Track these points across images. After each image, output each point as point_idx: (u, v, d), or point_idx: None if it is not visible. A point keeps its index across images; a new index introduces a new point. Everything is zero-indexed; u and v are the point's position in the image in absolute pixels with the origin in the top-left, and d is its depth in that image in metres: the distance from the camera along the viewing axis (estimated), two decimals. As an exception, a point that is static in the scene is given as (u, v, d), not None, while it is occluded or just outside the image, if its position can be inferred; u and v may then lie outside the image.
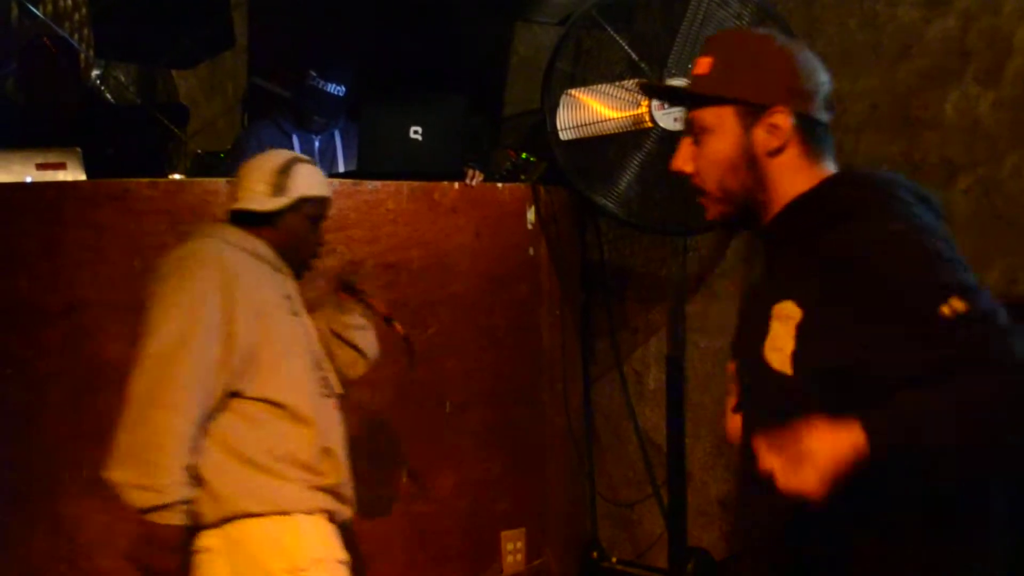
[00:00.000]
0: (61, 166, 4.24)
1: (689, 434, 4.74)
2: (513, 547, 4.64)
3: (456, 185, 4.49)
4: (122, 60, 6.00)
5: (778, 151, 2.18)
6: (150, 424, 3.04)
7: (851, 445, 1.88)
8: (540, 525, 4.77)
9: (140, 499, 3.02)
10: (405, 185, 4.37)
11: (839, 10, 4.61)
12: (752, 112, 2.17)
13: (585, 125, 4.49)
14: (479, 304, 4.53)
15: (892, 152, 4.41)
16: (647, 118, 4.39)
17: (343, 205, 4.23)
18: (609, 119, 4.47)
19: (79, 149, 4.26)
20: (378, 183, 4.33)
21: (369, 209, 4.28)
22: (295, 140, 5.07)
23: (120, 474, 3.03)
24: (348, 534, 4.14)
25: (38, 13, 5.89)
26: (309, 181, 3.34)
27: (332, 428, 3.30)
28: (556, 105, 4.51)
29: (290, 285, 3.32)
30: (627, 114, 4.43)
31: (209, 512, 3.13)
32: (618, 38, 4.51)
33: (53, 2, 6.64)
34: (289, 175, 3.29)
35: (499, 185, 4.69)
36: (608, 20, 4.51)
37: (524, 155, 4.93)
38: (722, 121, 2.19)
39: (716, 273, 4.99)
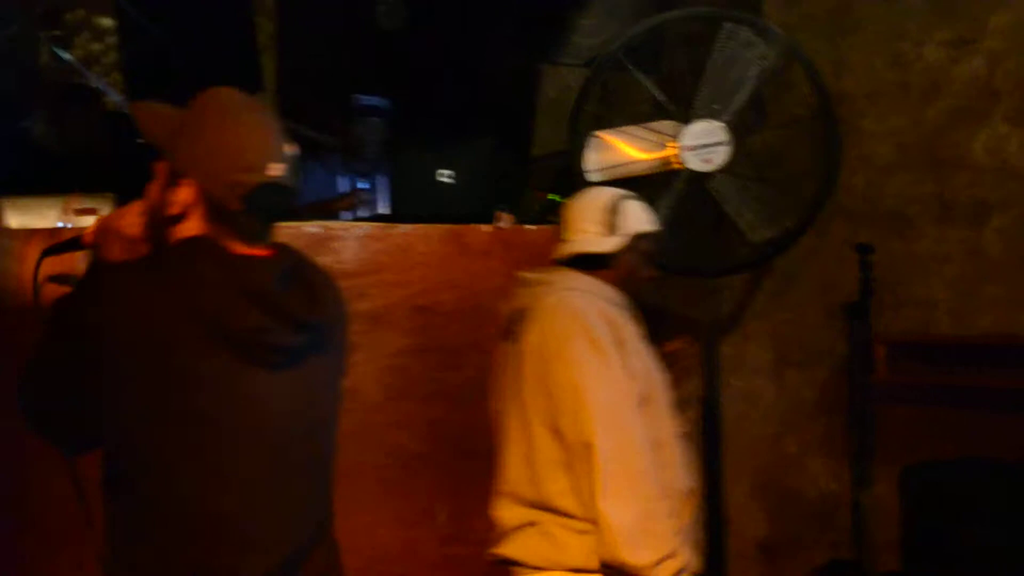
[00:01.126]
0: (93, 211, 4.17)
1: (726, 476, 4.63)
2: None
3: (487, 228, 4.41)
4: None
5: None
6: (640, 498, 2.99)
7: None
8: (575, 567, 4.66)
9: (665, 572, 2.97)
10: (436, 229, 4.28)
11: (866, 50, 4.55)
12: None
13: (613, 167, 4.43)
14: None
15: (922, 192, 4.33)
16: (675, 160, 4.32)
17: (375, 248, 4.16)
18: (637, 160, 4.40)
19: (111, 194, 4.18)
20: (409, 227, 4.24)
21: (401, 252, 4.20)
22: (343, 182, 5.02)
23: (642, 556, 2.96)
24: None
25: (67, 56, 5.83)
26: (639, 217, 3.27)
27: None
28: (584, 147, 4.45)
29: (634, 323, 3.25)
30: (655, 156, 4.37)
31: None
32: (644, 80, 4.44)
33: (83, 46, 6.59)
34: (619, 213, 3.24)
35: (529, 227, 4.61)
36: (633, 62, 4.45)
37: (552, 196, 4.86)
38: None
39: (748, 313, 4.90)
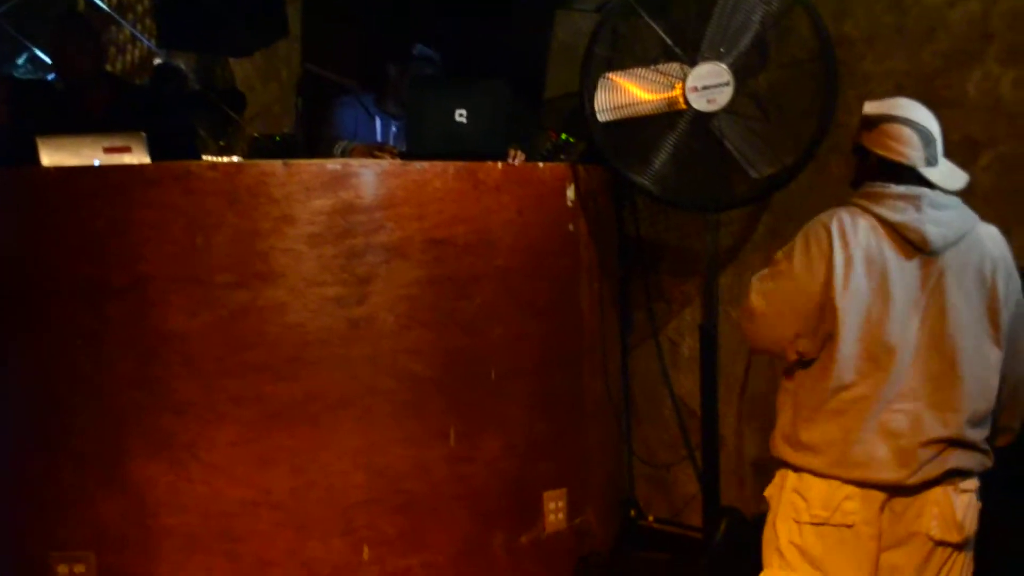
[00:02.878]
0: (127, 149, 4.19)
1: (721, 399, 4.65)
2: (555, 506, 4.59)
3: (499, 165, 4.41)
4: (183, 49, 5.95)
5: None
6: None
7: None
8: (581, 485, 4.71)
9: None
10: (451, 165, 4.29)
11: (866, -4, 4.50)
12: None
13: (622, 107, 4.42)
14: (522, 277, 4.45)
15: (916, 130, 4.29)
16: (681, 100, 4.31)
17: (392, 184, 4.18)
18: (645, 101, 4.39)
19: (143, 133, 4.20)
20: (425, 164, 4.25)
21: (417, 188, 4.21)
22: (378, 121, 5.05)
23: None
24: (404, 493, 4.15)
25: (102, 5, 5.86)
26: None
27: None
28: (594, 88, 4.44)
29: None
30: (662, 96, 4.36)
31: None
32: (653, 24, 4.42)
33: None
34: None
35: (540, 165, 4.62)
36: (643, 6, 4.42)
37: (564, 136, 4.88)
38: None
39: (747, 247, 4.89)
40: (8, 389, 4.17)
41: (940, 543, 3.16)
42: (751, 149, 4.34)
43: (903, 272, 3.16)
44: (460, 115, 4.39)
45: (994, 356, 3.19)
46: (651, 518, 5.08)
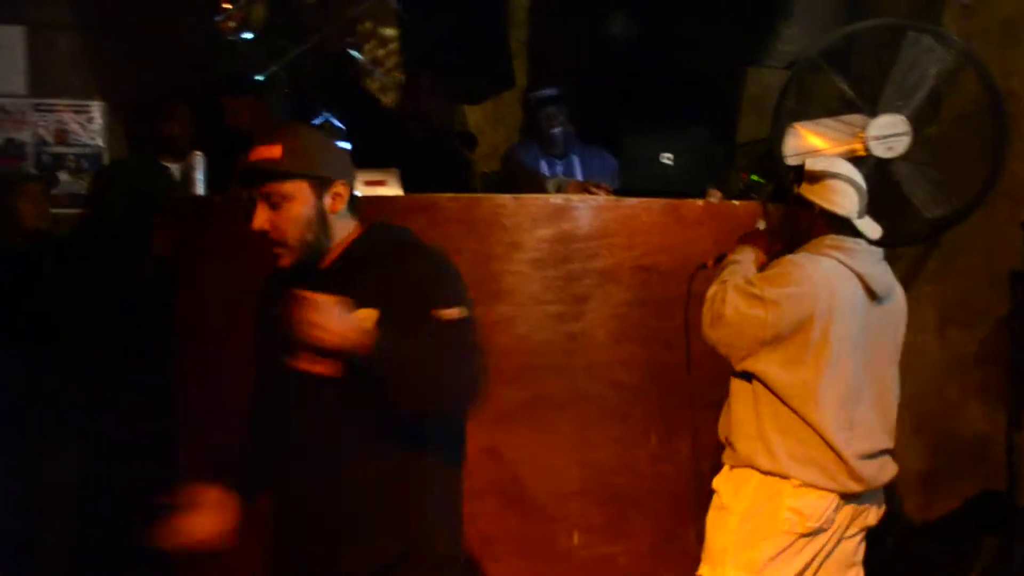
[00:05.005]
0: (382, 183, 4.56)
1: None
2: (745, 505, 4.74)
3: (699, 202, 4.64)
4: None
5: (338, 212, 2.71)
6: None
7: (362, 330, 2.47)
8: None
9: None
10: (657, 202, 4.52)
11: (1035, 56, 4.63)
12: (322, 185, 2.68)
13: (808, 153, 4.58)
14: None
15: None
16: (862, 148, 4.43)
17: (607, 217, 4.44)
18: (829, 149, 4.56)
19: (397, 169, 4.58)
20: (635, 200, 4.51)
21: (627, 221, 4.46)
22: (543, 164, 5.31)
23: None
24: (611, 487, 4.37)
25: (359, 57, 6.30)
26: None
27: None
28: (783, 136, 4.63)
29: None
30: (845, 145, 4.50)
31: None
32: (837, 79, 4.58)
33: (370, 52, 7.04)
34: None
35: (735, 202, 4.83)
36: (829, 64, 4.60)
37: (754, 177, 5.04)
38: (300, 191, 2.66)
39: (918, 280, 5.04)
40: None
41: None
42: (925, 192, 4.44)
43: (867, 316, 3.42)
44: (666, 158, 4.65)
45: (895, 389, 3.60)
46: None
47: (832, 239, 3.44)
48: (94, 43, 5.70)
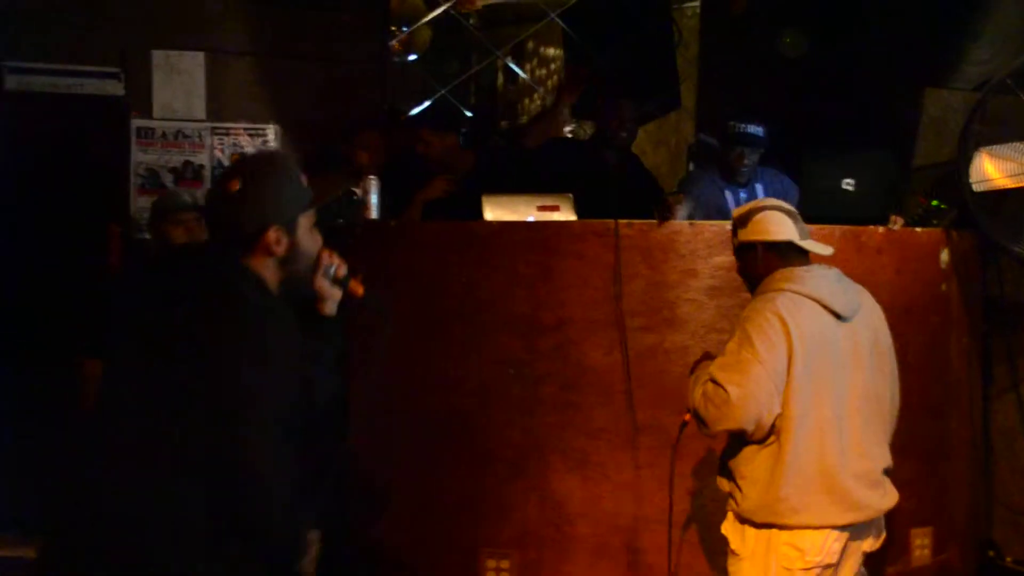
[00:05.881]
0: (556, 208, 4.49)
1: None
2: (921, 543, 4.58)
3: (881, 229, 4.48)
4: (590, 120, 6.26)
5: None
6: None
7: None
8: (945, 524, 4.69)
9: None
10: (837, 228, 4.39)
11: None
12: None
13: (996, 179, 4.38)
14: (897, 331, 4.37)
15: None
16: (1055, 172, 4.25)
17: (787, 244, 4.28)
18: (1020, 175, 4.34)
19: (571, 195, 4.49)
20: (815, 226, 4.30)
21: None
22: (727, 194, 5.15)
23: None
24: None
25: (521, 73, 6.25)
26: None
27: None
28: (969, 160, 4.42)
29: None
30: (1035, 170, 4.29)
31: None
32: (1027, 102, 4.38)
33: (531, 71, 7.02)
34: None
35: (918, 230, 4.63)
36: (1020, 87, 4.38)
37: (935, 202, 4.84)
38: None
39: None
40: (447, 406, 4.48)
41: None
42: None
43: (836, 337, 3.31)
44: (847, 183, 4.48)
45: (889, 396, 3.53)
46: (1009, 559, 4.96)
47: (782, 272, 3.36)
48: (269, 68, 5.71)
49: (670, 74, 6.18)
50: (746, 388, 3.22)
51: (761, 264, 3.41)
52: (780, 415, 3.25)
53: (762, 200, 3.63)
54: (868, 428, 3.42)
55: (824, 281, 3.37)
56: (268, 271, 2.54)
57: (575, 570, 4.31)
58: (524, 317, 4.38)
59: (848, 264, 4.31)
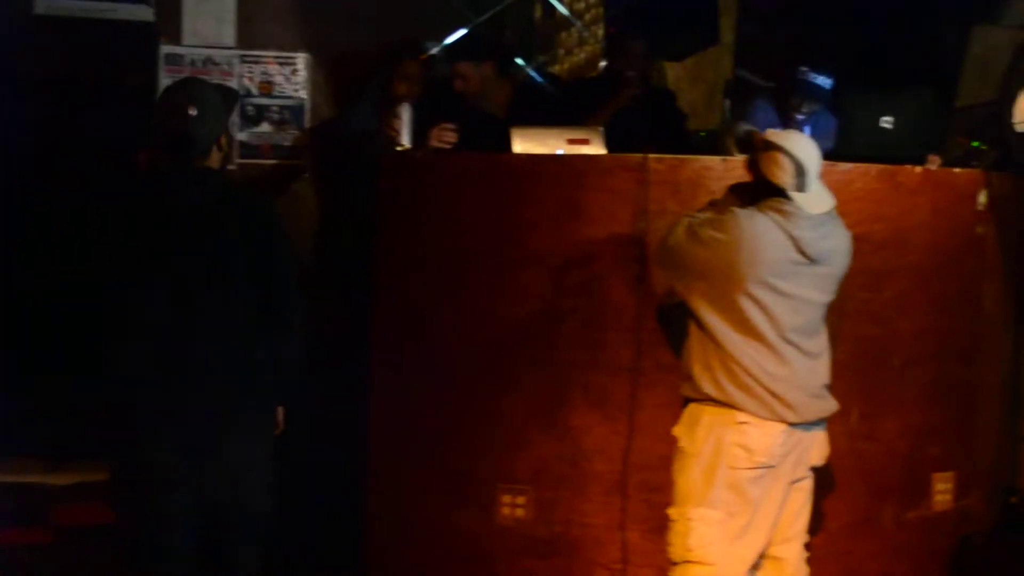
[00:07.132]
0: (586, 141, 4.31)
1: None
2: (943, 487, 4.44)
3: (918, 169, 4.27)
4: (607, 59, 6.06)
5: None
6: None
7: None
8: (968, 470, 4.52)
9: None
10: (873, 168, 4.20)
11: None
12: None
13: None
14: (931, 274, 4.30)
15: None
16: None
17: (818, 183, 4.09)
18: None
19: (601, 128, 4.30)
20: (850, 165, 4.18)
21: (840, 187, 4.03)
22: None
23: None
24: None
25: (560, 8, 6.03)
26: None
27: None
28: (1013, 100, 4.20)
29: None
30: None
31: None
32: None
33: (569, 5, 6.78)
34: None
35: (956, 170, 4.42)
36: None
37: (975, 143, 4.62)
38: None
39: None
40: (469, 340, 4.34)
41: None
42: None
43: (797, 273, 3.47)
44: (886, 121, 4.28)
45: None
46: (1032, 506, 4.79)
47: (774, 201, 3.50)
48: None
49: (709, 8, 5.96)
50: (677, 250, 3.54)
51: (760, 189, 3.56)
52: (730, 319, 3.46)
53: (789, 137, 3.59)
54: (808, 356, 3.59)
55: (807, 223, 3.48)
56: (216, 163, 3.49)
57: (591, 508, 4.19)
58: (550, 252, 4.21)
59: (883, 203, 4.21)
